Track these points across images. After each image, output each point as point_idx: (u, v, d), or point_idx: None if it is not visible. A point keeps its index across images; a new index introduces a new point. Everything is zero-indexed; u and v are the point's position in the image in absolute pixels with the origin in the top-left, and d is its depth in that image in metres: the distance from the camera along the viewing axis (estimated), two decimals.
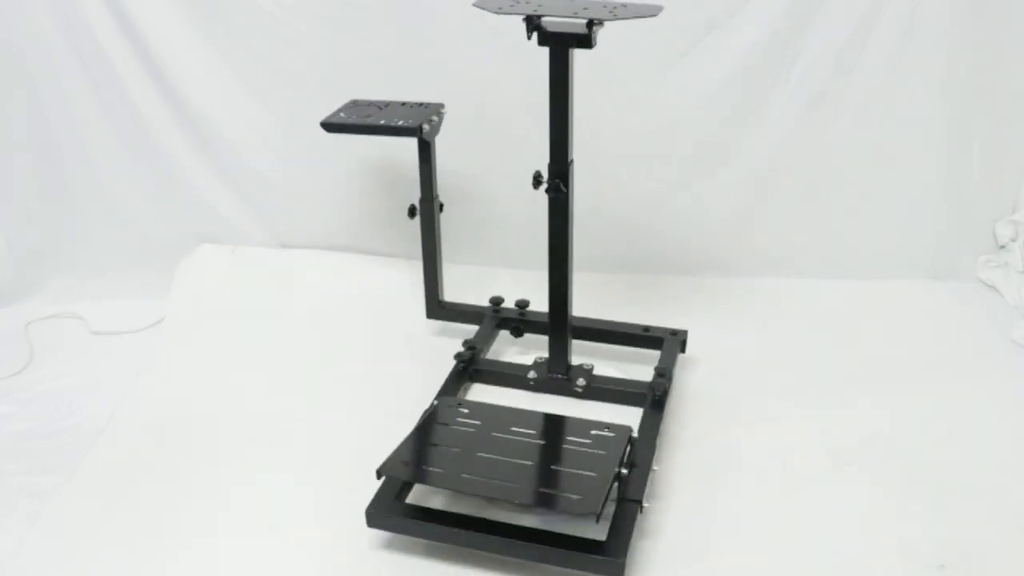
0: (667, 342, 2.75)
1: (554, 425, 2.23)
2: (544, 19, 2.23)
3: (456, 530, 2.03)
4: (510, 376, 2.69)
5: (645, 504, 2.10)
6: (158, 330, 3.14)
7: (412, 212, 2.77)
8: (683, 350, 2.79)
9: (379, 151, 3.24)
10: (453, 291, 3.04)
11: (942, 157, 3.17)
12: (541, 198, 2.43)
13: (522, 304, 2.87)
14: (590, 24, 2.21)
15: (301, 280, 3.32)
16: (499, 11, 2.20)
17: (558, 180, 2.40)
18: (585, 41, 2.22)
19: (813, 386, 2.76)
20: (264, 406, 2.68)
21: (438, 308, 2.94)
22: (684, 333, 2.79)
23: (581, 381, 2.61)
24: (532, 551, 1.99)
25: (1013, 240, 3.24)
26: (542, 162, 2.40)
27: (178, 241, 3.34)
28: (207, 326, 3.09)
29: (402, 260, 3.35)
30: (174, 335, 3.07)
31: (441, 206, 2.82)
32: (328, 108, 3.12)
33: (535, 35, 2.24)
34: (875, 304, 3.19)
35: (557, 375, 2.65)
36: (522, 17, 2.21)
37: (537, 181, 2.42)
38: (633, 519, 2.06)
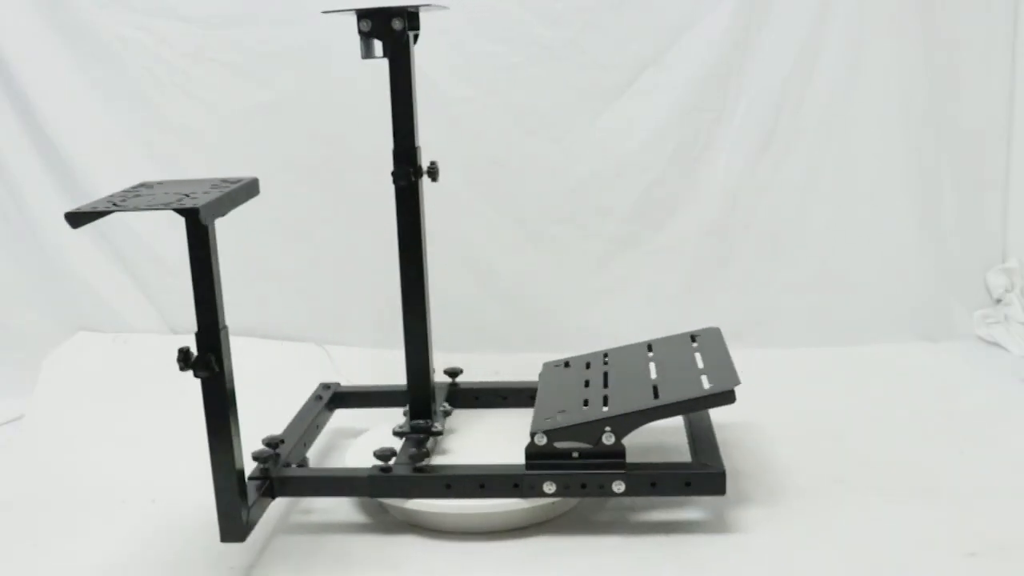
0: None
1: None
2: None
3: None
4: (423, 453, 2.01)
5: None
6: (15, 427, 2.64)
7: (196, 363, 1.71)
8: None
9: (289, 218, 2.90)
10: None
11: (912, 198, 2.89)
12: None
13: (272, 443, 2.00)
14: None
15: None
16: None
17: (408, 166, 2.11)
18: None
19: (805, 424, 2.37)
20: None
21: (242, 523, 1.81)
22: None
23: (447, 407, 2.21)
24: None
25: (1008, 290, 2.89)
26: None
27: (49, 330, 2.89)
28: (76, 424, 2.58)
29: (312, 344, 2.94)
30: (35, 433, 2.57)
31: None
32: (228, 166, 2.83)
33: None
34: (867, 369, 2.75)
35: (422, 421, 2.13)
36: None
37: (408, 176, 2.10)
38: None
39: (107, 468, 2.30)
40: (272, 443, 2.00)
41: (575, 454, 1.86)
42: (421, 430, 2.11)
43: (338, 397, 2.39)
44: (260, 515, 1.88)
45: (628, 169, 2.85)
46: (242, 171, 2.84)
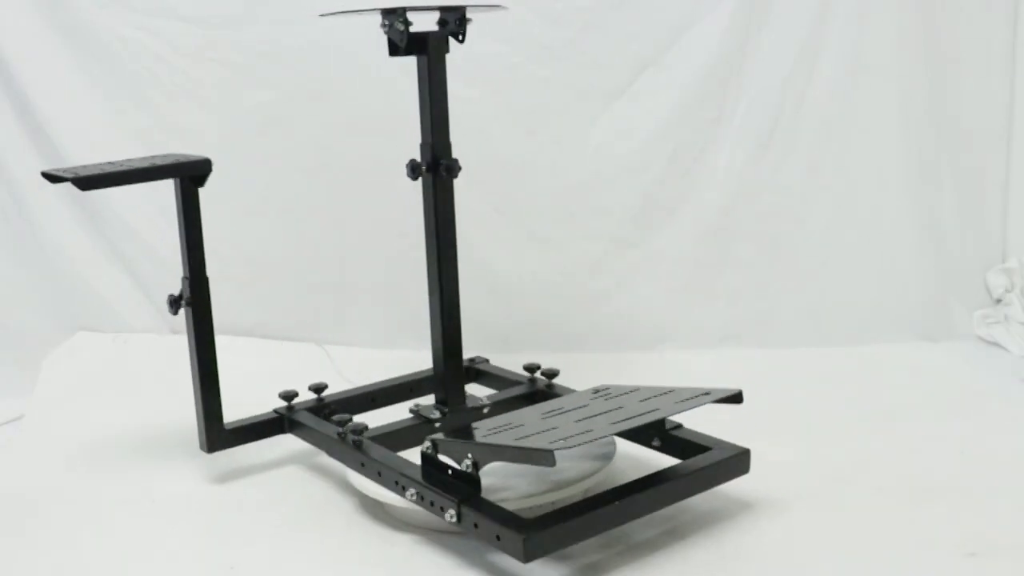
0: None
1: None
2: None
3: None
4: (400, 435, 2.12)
5: None
6: (14, 427, 2.63)
7: (175, 304, 2.14)
8: None
9: (290, 218, 2.90)
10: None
11: (912, 198, 2.89)
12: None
13: (319, 388, 2.28)
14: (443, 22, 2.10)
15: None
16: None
17: (444, 160, 2.13)
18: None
19: (805, 424, 2.38)
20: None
21: (222, 434, 2.19)
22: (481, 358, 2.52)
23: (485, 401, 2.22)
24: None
25: (1008, 290, 2.89)
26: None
27: (49, 330, 2.89)
28: (76, 424, 2.57)
29: (312, 344, 2.94)
30: (35, 433, 2.57)
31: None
32: (229, 166, 2.83)
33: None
34: (867, 369, 2.76)
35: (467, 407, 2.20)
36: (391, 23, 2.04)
37: (416, 169, 2.13)
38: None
39: (107, 468, 2.31)
40: (316, 389, 2.26)
41: (450, 471, 1.82)
42: (422, 415, 2.17)
43: (471, 372, 2.44)
44: (252, 439, 2.21)
45: (628, 169, 2.85)
46: (242, 171, 2.87)
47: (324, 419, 2.17)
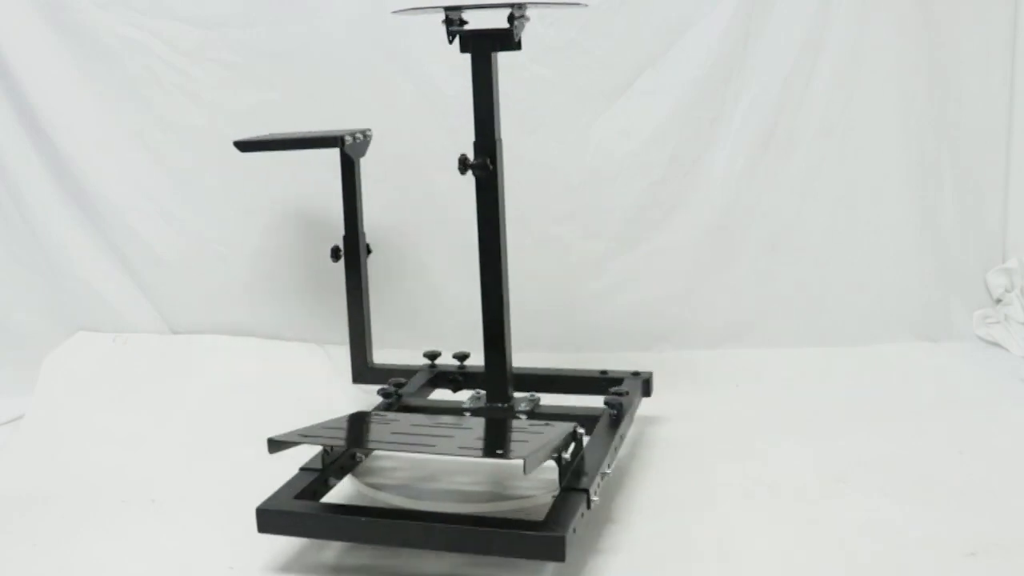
0: (628, 382, 2.38)
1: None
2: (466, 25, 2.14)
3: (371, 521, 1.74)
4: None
5: (594, 498, 1.77)
6: (14, 428, 2.63)
7: (336, 254, 2.54)
8: (647, 393, 2.43)
9: (290, 218, 2.90)
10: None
11: (912, 199, 2.90)
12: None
13: (462, 356, 2.50)
14: (512, 18, 2.10)
15: (193, 370, 2.82)
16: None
17: (486, 157, 2.14)
18: (508, 39, 2.12)
19: (805, 424, 2.39)
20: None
21: (366, 370, 2.59)
22: (648, 374, 2.45)
23: (524, 406, 2.22)
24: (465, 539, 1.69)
25: (1008, 291, 2.89)
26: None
27: (49, 330, 2.88)
28: (76, 424, 2.58)
29: (313, 345, 2.94)
30: (35, 433, 2.56)
31: (368, 249, 2.61)
32: (229, 166, 2.84)
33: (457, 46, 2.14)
34: (866, 369, 2.76)
35: (497, 404, 2.22)
36: (442, 19, 2.12)
37: (464, 164, 2.15)
38: (576, 506, 1.69)
39: (107, 468, 2.31)
40: (460, 357, 2.48)
41: None
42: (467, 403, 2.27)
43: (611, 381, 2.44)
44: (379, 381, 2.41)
45: (628, 169, 2.85)
46: (242, 171, 2.87)
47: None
